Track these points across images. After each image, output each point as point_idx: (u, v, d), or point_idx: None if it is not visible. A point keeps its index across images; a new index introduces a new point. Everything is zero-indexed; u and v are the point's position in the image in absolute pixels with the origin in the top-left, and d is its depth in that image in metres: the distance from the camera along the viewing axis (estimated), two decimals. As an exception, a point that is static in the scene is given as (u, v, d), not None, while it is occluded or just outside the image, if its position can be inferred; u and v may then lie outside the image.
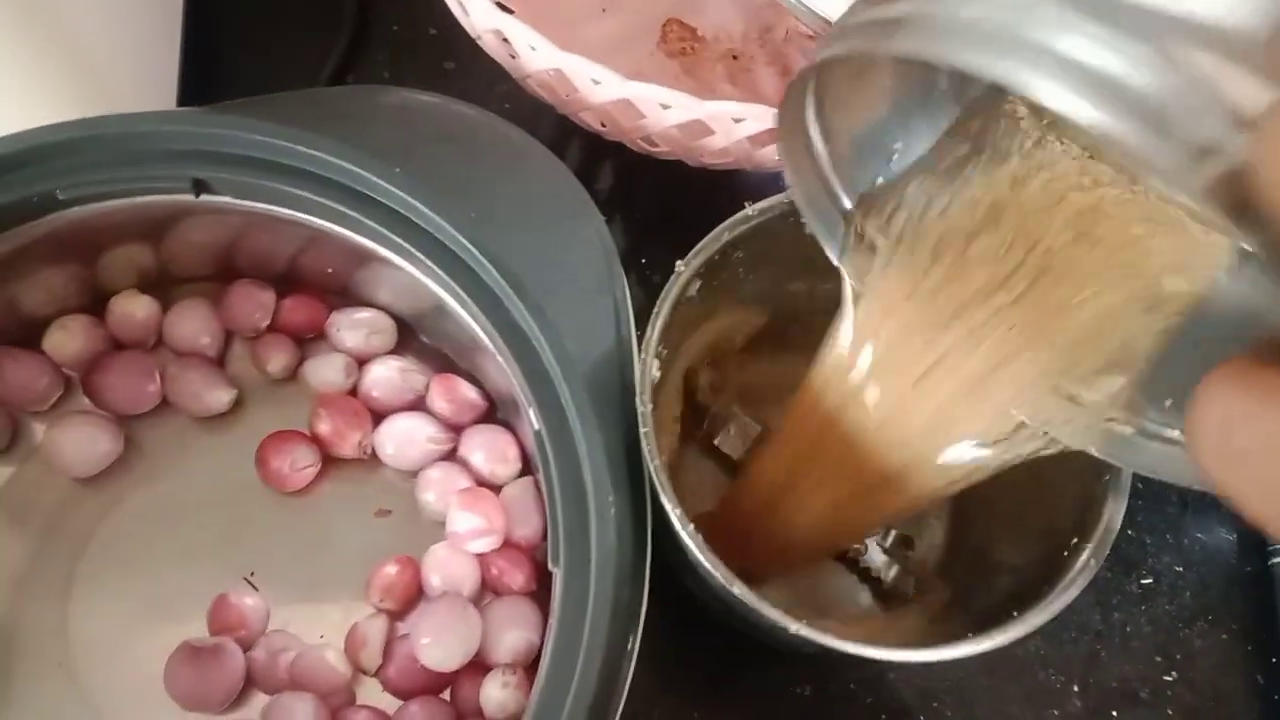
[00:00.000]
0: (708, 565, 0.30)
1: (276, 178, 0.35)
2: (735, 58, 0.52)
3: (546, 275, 0.35)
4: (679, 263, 0.34)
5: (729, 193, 0.48)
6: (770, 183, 0.47)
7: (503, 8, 0.51)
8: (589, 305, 0.35)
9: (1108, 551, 0.31)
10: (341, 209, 0.35)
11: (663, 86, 0.38)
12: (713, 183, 0.46)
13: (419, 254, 0.35)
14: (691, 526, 0.30)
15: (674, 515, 0.30)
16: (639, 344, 0.34)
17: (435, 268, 0.35)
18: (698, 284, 0.35)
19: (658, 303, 0.34)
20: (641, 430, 0.32)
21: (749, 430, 0.40)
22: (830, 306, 0.32)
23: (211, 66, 0.48)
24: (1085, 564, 0.31)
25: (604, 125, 0.43)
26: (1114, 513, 0.31)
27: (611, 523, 0.31)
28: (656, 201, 0.50)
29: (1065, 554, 0.31)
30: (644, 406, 0.32)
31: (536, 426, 0.33)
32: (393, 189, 0.35)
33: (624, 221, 0.49)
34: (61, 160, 0.34)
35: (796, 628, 0.29)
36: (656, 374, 0.33)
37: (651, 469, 0.31)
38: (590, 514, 0.31)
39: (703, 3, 0.53)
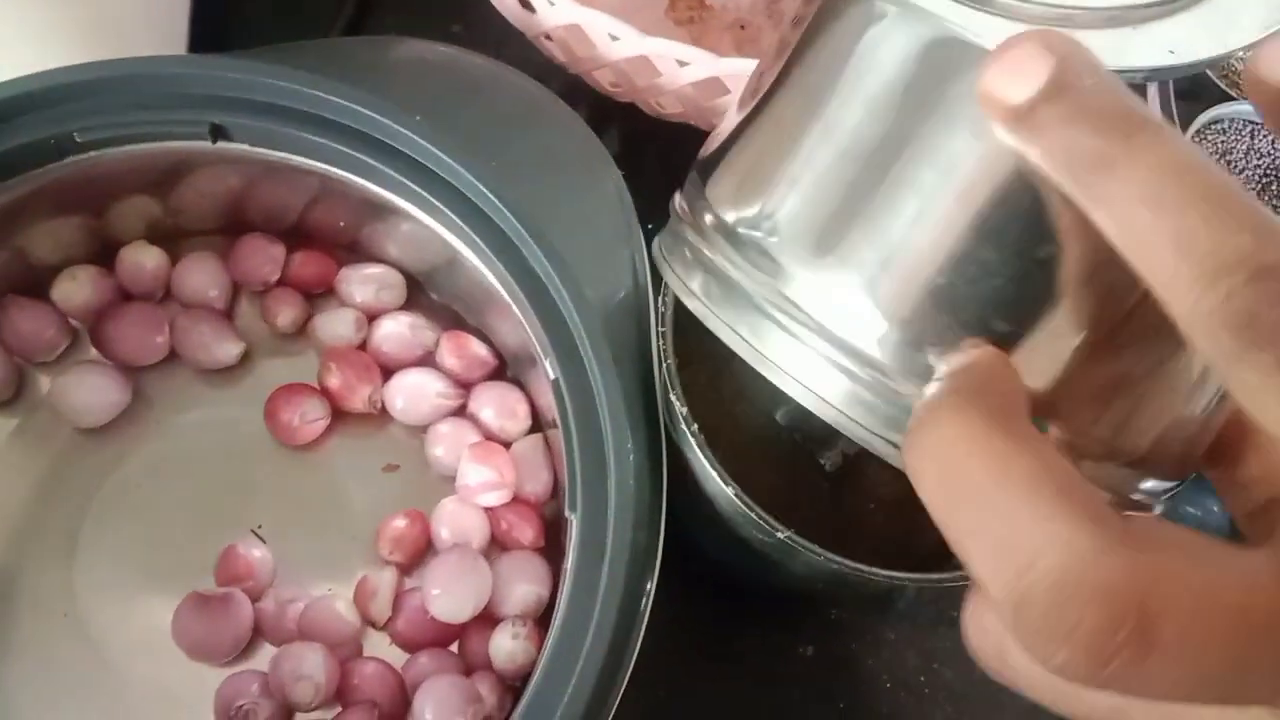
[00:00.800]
0: (705, 465, 0.30)
1: (295, 125, 0.35)
2: (743, 28, 0.52)
3: (564, 225, 0.35)
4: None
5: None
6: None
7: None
8: (607, 256, 0.36)
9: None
10: (360, 157, 0.35)
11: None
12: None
13: (437, 203, 0.35)
14: (695, 426, 0.31)
15: (679, 413, 0.31)
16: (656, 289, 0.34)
17: (454, 216, 0.35)
18: None
19: None
20: (655, 329, 0.32)
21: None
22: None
23: (220, 18, 0.48)
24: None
25: (617, 85, 0.43)
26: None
27: (631, 468, 0.31)
28: (663, 166, 0.50)
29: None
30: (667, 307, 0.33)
31: (554, 375, 0.33)
32: (414, 137, 0.35)
33: (630, 185, 0.49)
34: (79, 102, 0.34)
35: (783, 535, 0.30)
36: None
37: (660, 370, 0.31)
38: (609, 460, 0.31)
39: (711, -27, 0.53)
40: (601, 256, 0.35)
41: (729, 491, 0.30)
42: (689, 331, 0.40)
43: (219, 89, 0.35)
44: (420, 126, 0.35)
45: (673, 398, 0.31)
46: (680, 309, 0.34)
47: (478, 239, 0.35)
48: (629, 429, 0.31)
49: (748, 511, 0.30)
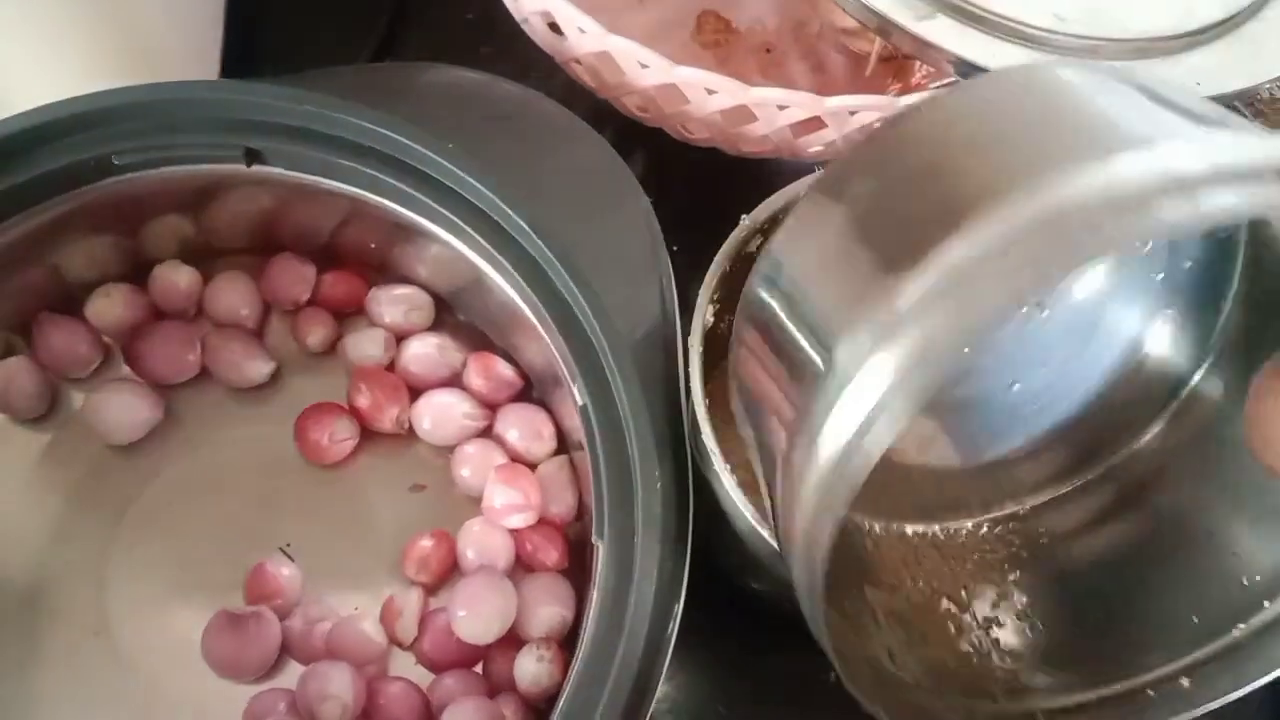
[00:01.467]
0: (738, 505, 0.30)
1: (328, 149, 0.36)
2: (768, 51, 0.52)
3: (592, 251, 0.35)
4: (744, 216, 0.35)
5: (764, 182, 0.48)
6: (807, 171, 0.47)
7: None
8: (635, 284, 0.36)
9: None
10: (391, 181, 0.36)
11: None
12: (748, 172, 0.47)
13: (467, 228, 0.35)
14: (729, 466, 0.31)
15: (711, 451, 0.31)
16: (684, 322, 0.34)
17: (483, 241, 0.35)
18: (759, 240, 0.35)
19: (720, 251, 0.35)
20: (682, 369, 0.33)
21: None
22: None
23: (252, 43, 0.49)
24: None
25: (644, 111, 0.43)
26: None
27: (658, 496, 0.31)
28: (690, 190, 0.50)
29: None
30: (694, 348, 0.33)
31: (581, 401, 0.33)
32: (444, 163, 0.35)
33: (657, 209, 0.50)
34: (118, 125, 0.34)
35: None
36: (710, 319, 0.33)
37: (689, 406, 0.32)
38: (636, 486, 0.32)
39: (738, -4, 0.54)
40: (629, 283, 0.36)
41: (764, 533, 0.30)
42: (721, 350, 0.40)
43: (254, 114, 0.35)
44: (451, 152, 0.35)
45: (703, 438, 0.31)
46: (710, 343, 0.34)
47: (507, 263, 0.35)
48: (657, 457, 0.32)
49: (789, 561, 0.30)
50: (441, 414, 0.39)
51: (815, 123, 0.40)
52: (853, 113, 0.39)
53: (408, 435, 0.40)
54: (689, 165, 0.48)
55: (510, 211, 0.35)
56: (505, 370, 0.40)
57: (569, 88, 0.44)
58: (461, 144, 0.36)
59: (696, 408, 0.31)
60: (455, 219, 0.35)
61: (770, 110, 0.39)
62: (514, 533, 0.38)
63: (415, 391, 0.40)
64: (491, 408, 0.40)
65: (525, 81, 0.50)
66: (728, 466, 0.31)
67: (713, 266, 0.34)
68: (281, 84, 0.37)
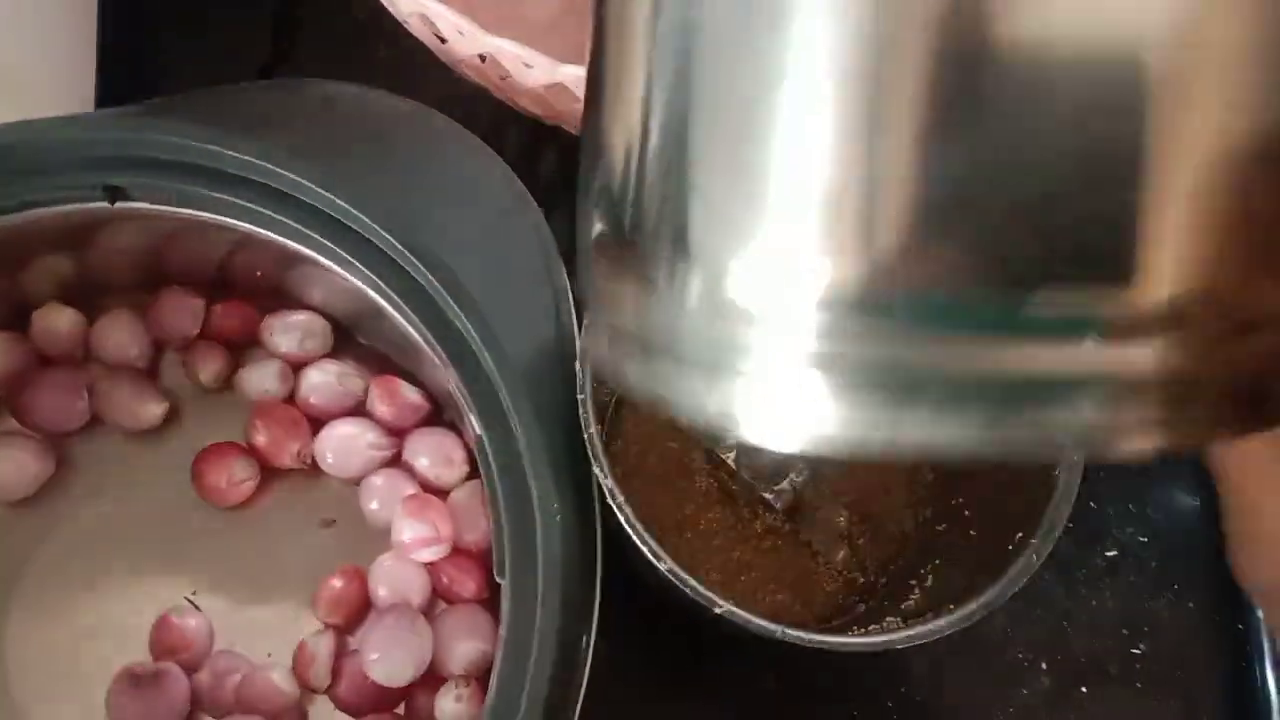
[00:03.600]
0: (635, 538, 0.29)
1: (195, 181, 0.34)
2: (679, 32, 0.50)
3: (481, 271, 0.34)
4: None
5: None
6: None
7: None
8: (528, 301, 0.34)
9: (1051, 547, 0.30)
10: (265, 212, 0.34)
11: None
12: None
13: (348, 256, 0.34)
14: (621, 498, 0.29)
15: (605, 484, 0.29)
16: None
17: (365, 270, 0.34)
18: None
19: None
20: (579, 396, 0.31)
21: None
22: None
23: (133, 62, 0.46)
24: (1028, 563, 0.30)
25: (540, 110, 0.41)
26: (1059, 514, 0.30)
27: (558, 530, 0.30)
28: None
29: (1010, 548, 0.30)
30: (582, 370, 0.31)
31: (478, 432, 0.32)
32: (315, 188, 0.33)
33: (569, 206, 0.47)
34: (-37, 173, 0.32)
35: (721, 609, 0.28)
36: None
37: (587, 435, 0.30)
38: (536, 522, 0.30)
39: (645, -24, 0.51)
40: (522, 302, 0.34)
41: (662, 568, 0.29)
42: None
43: (113, 149, 0.33)
44: (323, 177, 0.33)
45: (596, 471, 0.30)
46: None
47: (393, 293, 0.33)
48: (555, 489, 0.30)
49: (682, 587, 0.29)
50: (345, 445, 0.38)
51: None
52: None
53: (312, 469, 0.38)
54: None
55: (390, 237, 0.33)
56: (411, 394, 0.38)
57: (473, 88, 0.42)
58: (340, 164, 0.34)
59: (591, 439, 0.30)
60: (335, 247, 0.34)
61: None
62: (429, 565, 0.36)
63: (318, 422, 0.39)
64: (399, 434, 0.39)
65: (427, 79, 0.48)
66: (622, 499, 0.29)
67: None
68: (143, 114, 0.35)
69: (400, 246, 0.33)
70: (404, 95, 0.40)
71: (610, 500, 0.29)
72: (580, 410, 0.30)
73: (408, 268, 0.33)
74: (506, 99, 0.41)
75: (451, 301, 0.32)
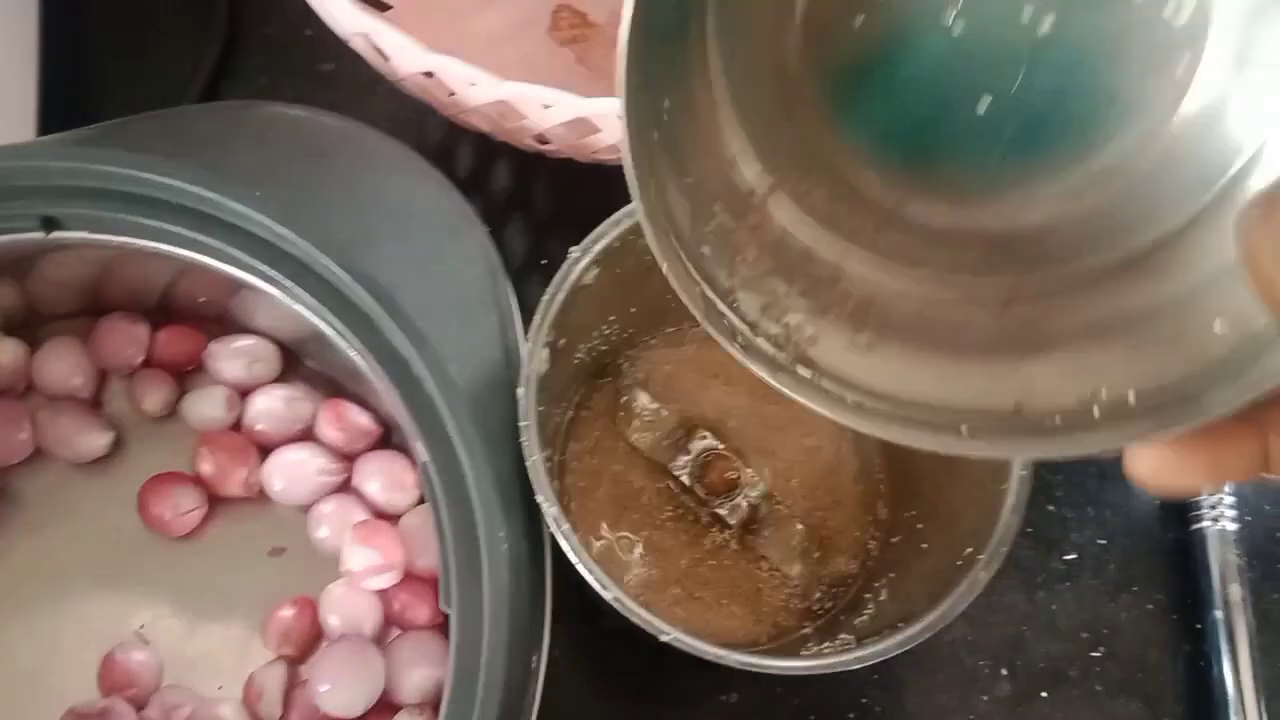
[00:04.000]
0: (580, 567, 0.29)
1: (132, 209, 0.33)
2: (629, 43, 0.50)
3: (426, 294, 0.33)
4: (573, 249, 0.33)
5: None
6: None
7: (380, 5, 0.49)
8: (473, 321, 0.34)
9: (999, 564, 0.30)
10: (203, 239, 0.33)
11: (544, 84, 0.36)
12: (611, 177, 0.44)
13: (288, 282, 0.33)
14: (568, 525, 0.29)
15: (549, 513, 0.29)
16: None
17: (307, 295, 0.33)
18: (595, 271, 0.33)
19: (549, 289, 0.32)
20: (521, 423, 0.30)
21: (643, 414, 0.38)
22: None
23: (76, 87, 0.46)
24: (974, 580, 0.29)
25: (487, 126, 0.41)
26: (1009, 526, 0.30)
27: (504, 557, 0.30)
28: (555, 199, 0.48)
29: (959, 564, 0.30)
30: (525, 395, 0.30)
31: (424, 459, 0.31)
32: (254, 214, 0.33)
33: (523, 221, 0.47)
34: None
35: (668, 636, 0.28)
36: (545, 366, 0.31)
37: (530, 462, 0.30)
38: (482, 550, 0.30)
39: (594, -14, 0.51)
40: (468, 324, 0.34)
41: (608, 596, 0.28)
42: (565, 396, 0.38)
43: (48, 178, 0.33)
44: (262, 202, 0.33)
45: (539, 499, 0.29)
46: (551, 387, 0.32)
47: (334, 318, 0.33)
48: (502, 516, 0.30)
49: (628, 616, 0.29)
50: (293, 472, 0.37)
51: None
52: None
53: (261, 497, 0.38)
54: (552, 173, 0.46)
55: (331, 263, 0.32)
56: (360, 418, 0.38)
57: (421, 105, 0.42)
58: (281, 188, 0.34)
59: (534, 466, 0.29)
60: (277, 274, 0.33)
61: (612, 120, 0.37)
62: (380, 592, 0.36)
63: (267, 449, 0.38)
64: (349, 459, 0.38)
65: (374, 96, 0.48)
66: (567, 526, 0.29)
67: (541, 307, 0.32)
68: (81, 141, 0.35)
69: (340, 272, 0.32)
70: (352, 115, 0.40)
71: (555, 529, 0.29)
72: (522, 438, 0.30)
73: (348, 292, 0.33)
74: (455, 117, 0.41)
75: (395, 327, 0.32)
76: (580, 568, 0.29)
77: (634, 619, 0.28)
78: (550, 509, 0.29)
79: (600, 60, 0.50)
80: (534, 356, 0.31)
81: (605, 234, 0.33)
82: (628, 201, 0.33)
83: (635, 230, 0.33)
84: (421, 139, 0.48)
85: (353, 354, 0.33)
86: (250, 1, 0.50)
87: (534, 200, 0.48)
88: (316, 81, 0.49)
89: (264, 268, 0.33)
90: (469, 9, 0.50)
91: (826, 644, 0.32)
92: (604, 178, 0.44)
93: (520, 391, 0.31)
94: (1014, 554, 0.31)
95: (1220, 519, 0.43)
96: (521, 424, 0.30)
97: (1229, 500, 0.43)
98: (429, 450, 0.31)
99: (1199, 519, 0.44)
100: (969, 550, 0.30)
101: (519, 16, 0.50)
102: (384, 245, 0.34)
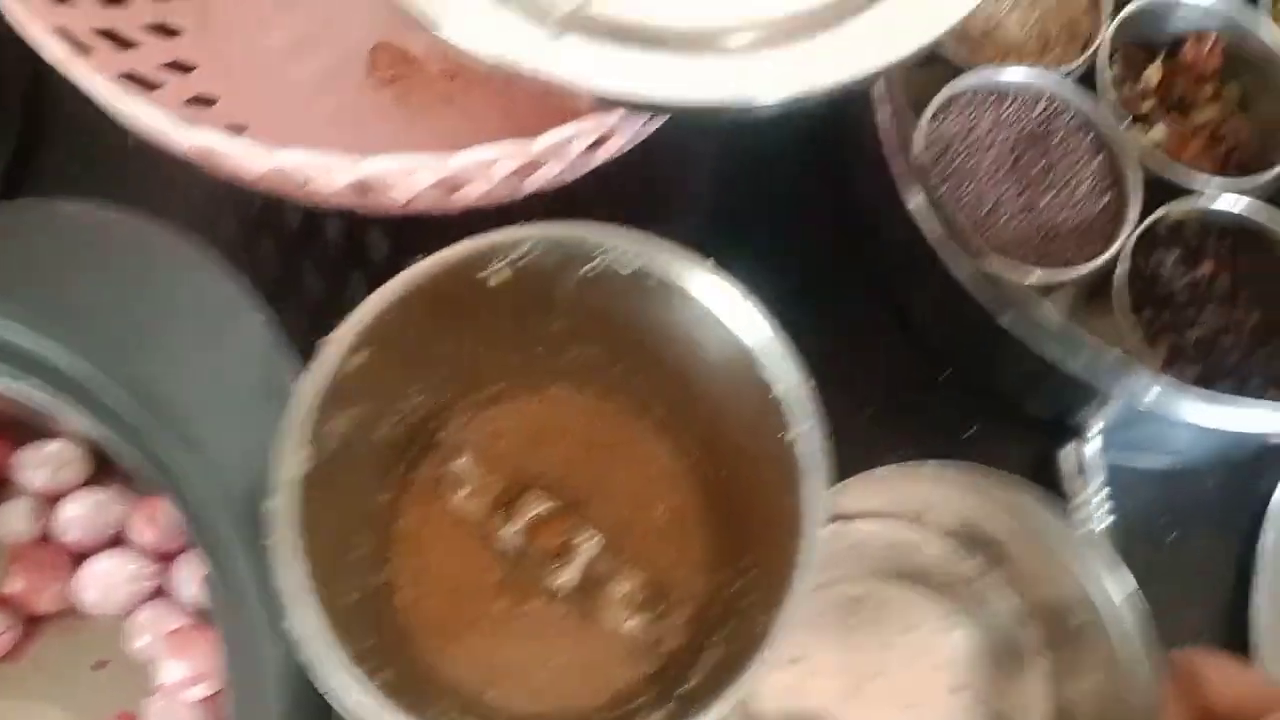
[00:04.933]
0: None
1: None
2: (453, 78, 0.48)
3: (203, 394, 0.32)
4: (322, 340, 0.30)
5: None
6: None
7: (168, 31, 0.46)
8: (252, 416, 0.32)
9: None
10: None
11: (365, 132, 0.34)
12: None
13: (55, 393, 0.31)
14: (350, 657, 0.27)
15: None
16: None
17: (85, 410, 0.31)
18: (366, 352, 0.31)
19: (300, 386, 0.29)
20: (265, 541, 0.28)
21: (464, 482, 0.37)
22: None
23: None
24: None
25: (354, 203, 0.38)
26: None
27: (285, 679, 0.28)
28: (394, 242, 0.46)
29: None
30: (279, 506, 0.28)
31: (204, 571, 0.30)
32: (22, 328, 0.31)
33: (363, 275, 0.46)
34: None
35: None
36: (303, 468, 0.29)
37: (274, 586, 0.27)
38: (267, 666, 0.29)
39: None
40: (247, 420, 0.32)
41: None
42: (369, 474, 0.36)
43: None
44: (22, 315, 0.31)
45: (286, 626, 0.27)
46: (329, 483, 0.30)
47: (112, 433, 0.31)
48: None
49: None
50: (104, 582, 0.36)
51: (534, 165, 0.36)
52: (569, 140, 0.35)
53: (78, 610, 0.36)
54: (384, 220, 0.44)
55: (101, 375, 0.31)
56: (176, 516, 0.36)
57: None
58: (50, 294, 0.32)
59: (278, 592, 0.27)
60: (43, 387, 0.31)
61: (404, 176, 0.35)
62: (204, 700, 0.34)
63: (80, 558, 0.36)
64: (166, 558, 0.36)
65: (189, 170, 0.45)
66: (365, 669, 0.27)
67: (292, 407, 0.29)
68: None
69: (107, 380, 0.31)
70: (157, 205, 0.37)
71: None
72: (271, 558, 0.27)
73: (113, 403, 0.31)
74: (315, 203, 0.38)
75: (169, 436, 0.30)
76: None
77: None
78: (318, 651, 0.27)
79: (422, 100, 0.48)
80: (285, 462, 0.28)
81: (369, 312, 0.31)
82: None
83: (413, 298, 0.32)
84: (216, 227, 0.45)
85: (132, 463, 0.32)
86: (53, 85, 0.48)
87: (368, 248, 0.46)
88: (123, 160, 0.45)
89: (38, 383, 0.31)
90: (281, 60, 0.48)
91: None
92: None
93: (270, 504, 0.28)
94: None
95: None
96: (265, 542, 0.27)
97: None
98: (207, 560, 0.30)
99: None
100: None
101: (334, 61, 0.48)
102: (160, 345, 0.32)
